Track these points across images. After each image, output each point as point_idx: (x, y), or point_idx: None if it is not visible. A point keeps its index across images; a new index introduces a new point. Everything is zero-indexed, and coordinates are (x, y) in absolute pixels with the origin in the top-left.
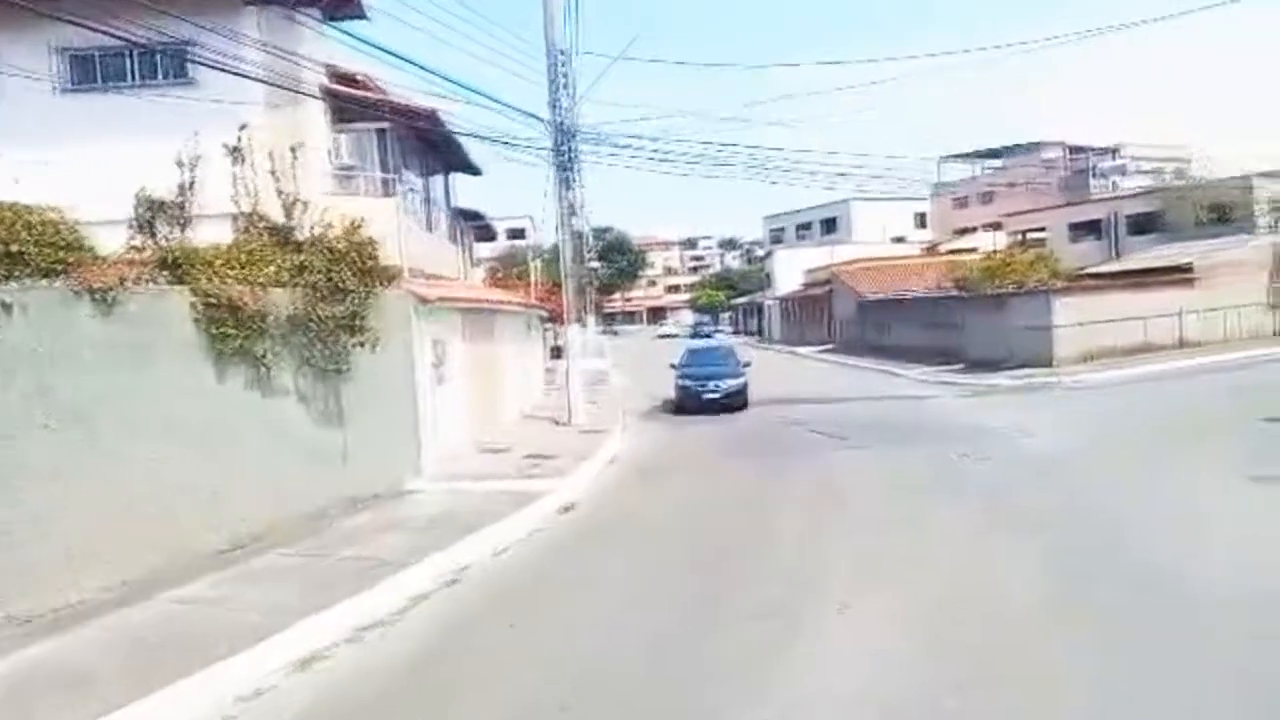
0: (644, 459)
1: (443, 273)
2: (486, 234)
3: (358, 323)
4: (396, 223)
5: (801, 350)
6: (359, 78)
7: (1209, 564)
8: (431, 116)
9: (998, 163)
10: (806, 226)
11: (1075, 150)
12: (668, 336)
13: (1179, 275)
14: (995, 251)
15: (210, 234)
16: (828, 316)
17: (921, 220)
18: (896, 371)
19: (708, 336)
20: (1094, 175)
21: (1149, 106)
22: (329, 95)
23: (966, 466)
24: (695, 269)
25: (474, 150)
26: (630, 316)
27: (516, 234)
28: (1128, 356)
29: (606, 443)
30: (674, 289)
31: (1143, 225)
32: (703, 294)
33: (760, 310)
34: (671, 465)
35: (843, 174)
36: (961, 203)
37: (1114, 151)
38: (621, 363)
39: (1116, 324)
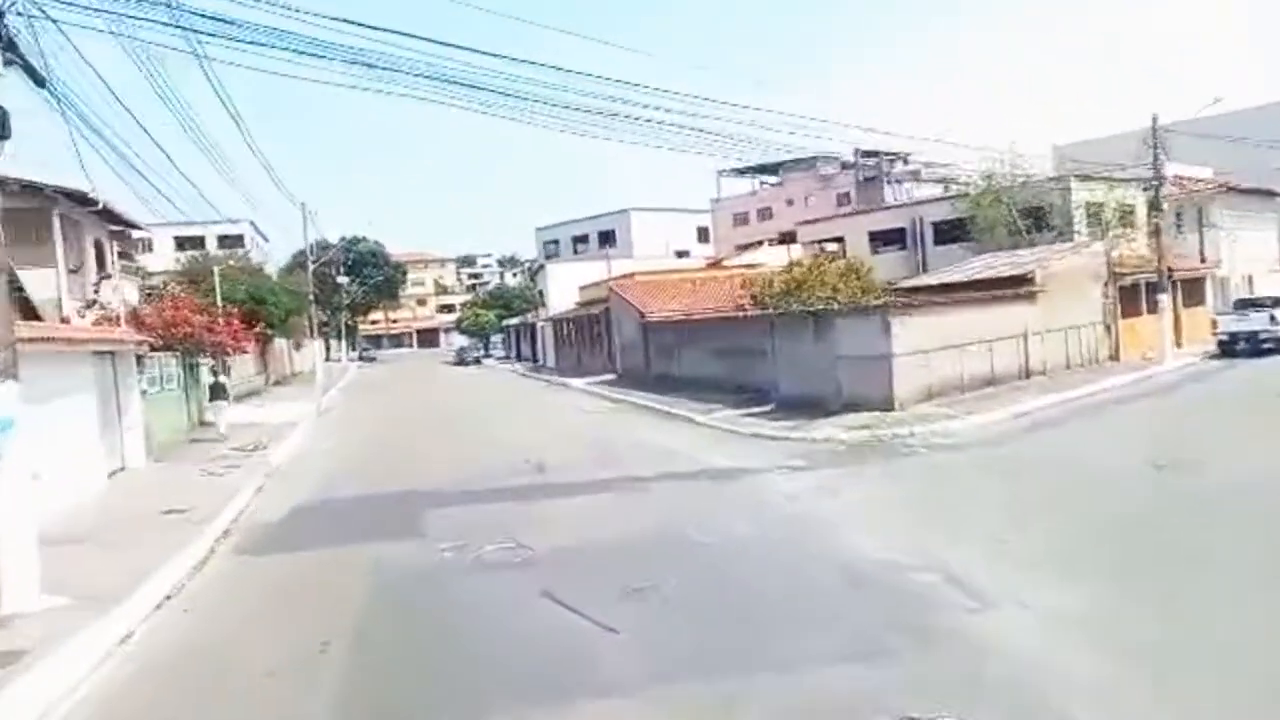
0: None
1: None
2: (195, 242)
3: None
4: None
5: (576, 382)
6: None
7: None
8: None
9: (774, 178)
10: (583, 239)
11: (867, 155)
12: (467, 362)
13: (1020, 289)
14: (796, 263)
15: None
16: (607, 340)
17: (704, 234)
18: (691, 415)
19: (476, 362)
20: (888, 182)
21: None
22: None
23: None
24: (473, 287)
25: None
26: (397, 339)
27: (232, 242)
28: (975, 392)
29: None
30: (448, 309)
31: (949, 233)
32: (470, 314)
33: (534, 332)
34: None
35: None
36: (741, 219)
37: (904, 157)
38: (334, 406)
39: (960, 350)
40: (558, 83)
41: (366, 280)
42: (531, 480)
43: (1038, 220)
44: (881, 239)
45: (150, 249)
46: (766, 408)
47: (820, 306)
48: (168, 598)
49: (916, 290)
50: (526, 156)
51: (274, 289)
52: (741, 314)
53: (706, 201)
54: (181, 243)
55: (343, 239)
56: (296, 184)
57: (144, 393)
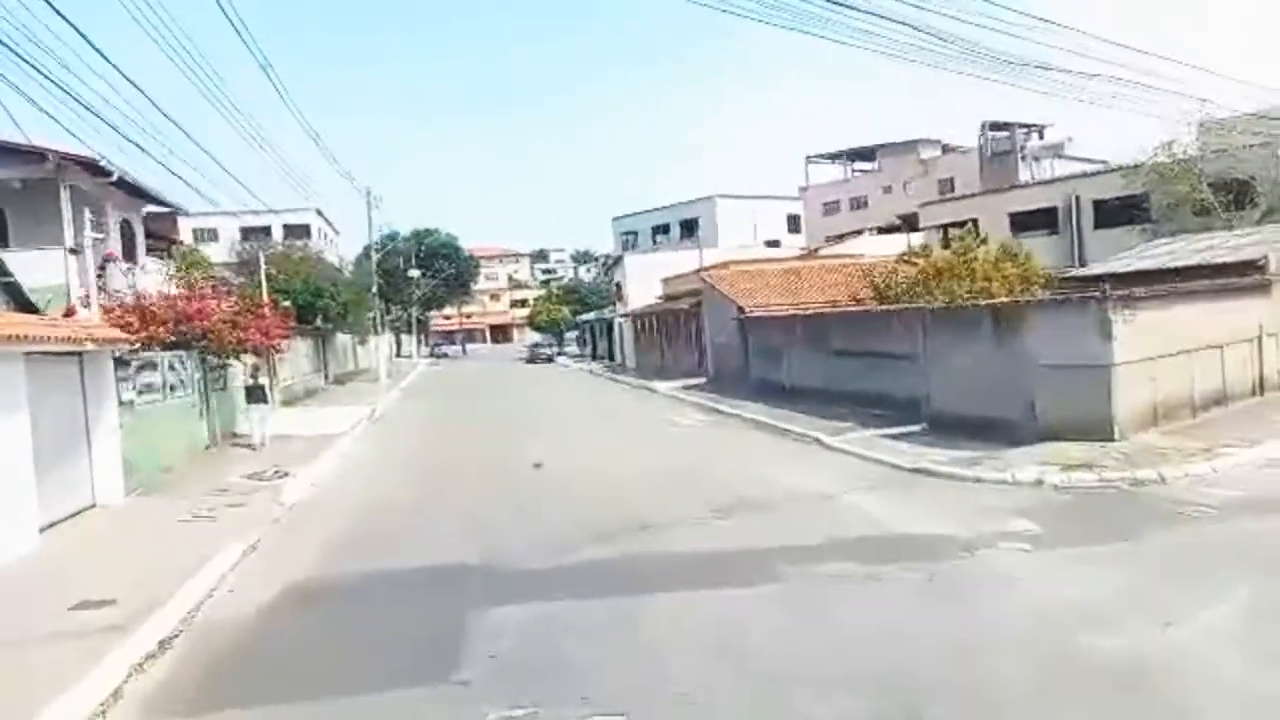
0: None
1: None
2: (262, 232)
3: None
4: None
5: (661, 386)
6: None
7: None
8: None
9: (869, 164)
10: (664, 229)
11: (995, 128)
12: (538, 360)
13: (1248, 278)
14: (924, 247)
15: None
16: (696, 339)
17: (795, 223)
18: (816, 435)
19: (548, 360)
20: (1022, 158)
21: None
22: None
23: None
24: (546, 282)
25: None
26: (469, 335)
27: (298, 232)
28: (1205, 414)
29: None
30: (521, 304)
31: (1113, 215)
32: (542, 309)
33: (610, 329)
34: None
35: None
36: (832, 207)
37: (1041, 129)
38: (390, 412)
39: (1189, 358)
40: None
41: (438, 274)
42: (625, 549)
43: (1238, 197)
44: (1024, 222)
45: (215, 239)
46: (914, 428)
47: (994, 300)
48: None
49: (1088, 282)
50: (603, 150)
51: (333, 280)
52: (874, 309)
53: (793, 190)
54: (247, 234)
55: (414, 231)
56: (370, 179)
57: (129, 403)
